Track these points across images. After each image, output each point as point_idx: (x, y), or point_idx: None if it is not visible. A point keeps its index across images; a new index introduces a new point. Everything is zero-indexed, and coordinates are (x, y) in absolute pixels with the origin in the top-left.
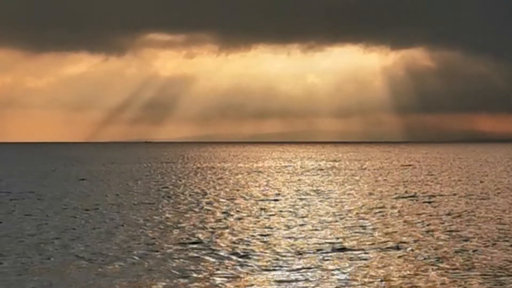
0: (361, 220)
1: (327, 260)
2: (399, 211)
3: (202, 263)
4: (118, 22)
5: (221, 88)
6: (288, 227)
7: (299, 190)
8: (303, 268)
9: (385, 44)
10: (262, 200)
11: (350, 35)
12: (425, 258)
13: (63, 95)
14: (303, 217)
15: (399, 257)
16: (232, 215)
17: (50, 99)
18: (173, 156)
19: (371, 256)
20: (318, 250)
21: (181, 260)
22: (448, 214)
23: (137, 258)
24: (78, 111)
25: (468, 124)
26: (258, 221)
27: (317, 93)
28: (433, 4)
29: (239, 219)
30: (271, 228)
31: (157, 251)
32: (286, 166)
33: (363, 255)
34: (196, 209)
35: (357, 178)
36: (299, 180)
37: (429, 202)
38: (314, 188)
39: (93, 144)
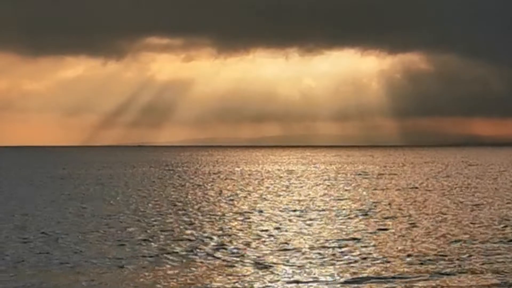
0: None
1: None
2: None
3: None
4: (117, 26)
5: (219, 91)
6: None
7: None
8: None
9: (383, 48)
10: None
11: (348, 38)
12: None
13: (61, 99)
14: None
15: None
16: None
17: (47, 102)
18: (186, 160)
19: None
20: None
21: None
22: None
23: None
24: (75, 115)
25: (465, 127)
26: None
27: (315, 96)
28: (431, 9)
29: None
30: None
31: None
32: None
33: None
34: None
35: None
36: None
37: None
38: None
39: (90, 148)
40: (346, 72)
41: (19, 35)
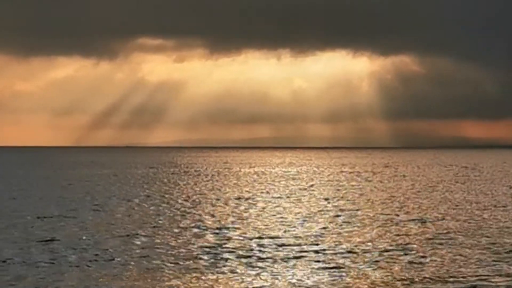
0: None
1: None
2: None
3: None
4: (110, 26)
5: (211, 92)
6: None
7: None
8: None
9: (375, 50)
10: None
11: (340, 40)
12: None
13: (52, 99)
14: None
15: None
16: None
17: (39, 103)
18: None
19: None
20: None
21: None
22: None
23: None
24: (67, 115)
25: (456, 130)
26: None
27: (307, 98)
28: (424, 12)
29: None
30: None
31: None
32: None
33: None
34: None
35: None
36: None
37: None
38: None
39: (81, 149)
40: (338, 73)
41: (11, 35)
